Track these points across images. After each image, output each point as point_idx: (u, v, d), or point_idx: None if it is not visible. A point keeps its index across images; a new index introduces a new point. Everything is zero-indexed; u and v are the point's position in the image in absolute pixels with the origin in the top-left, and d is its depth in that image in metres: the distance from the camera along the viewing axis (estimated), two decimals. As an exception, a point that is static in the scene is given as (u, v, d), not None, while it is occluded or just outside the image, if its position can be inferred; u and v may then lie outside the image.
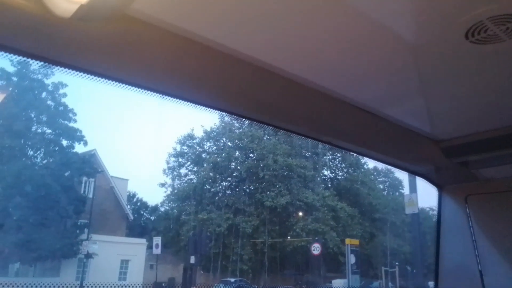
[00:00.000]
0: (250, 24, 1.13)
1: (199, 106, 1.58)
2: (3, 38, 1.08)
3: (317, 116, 1.78)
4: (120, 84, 1.34)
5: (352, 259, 18.95)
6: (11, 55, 1.13)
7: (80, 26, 1.03)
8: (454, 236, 2.54)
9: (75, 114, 22.09)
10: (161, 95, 1.44)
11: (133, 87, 1.37)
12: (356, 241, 20.92)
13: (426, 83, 1.52)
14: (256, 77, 1.40)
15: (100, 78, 1.30)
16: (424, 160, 2.31)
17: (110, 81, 1.32)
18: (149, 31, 1.10)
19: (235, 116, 1.84)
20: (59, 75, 21.24)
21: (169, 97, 1.47)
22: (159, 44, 1.19)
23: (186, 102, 1.53)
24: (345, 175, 32.83)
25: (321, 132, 2.00)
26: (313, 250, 21.21)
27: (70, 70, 1.23)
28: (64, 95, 21.79)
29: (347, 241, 20.47)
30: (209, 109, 1.66)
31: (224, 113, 1.76)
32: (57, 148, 21.48)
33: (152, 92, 1.42)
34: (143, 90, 1.40)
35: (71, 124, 21.87)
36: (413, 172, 2.58)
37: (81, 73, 1.26)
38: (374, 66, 1.38)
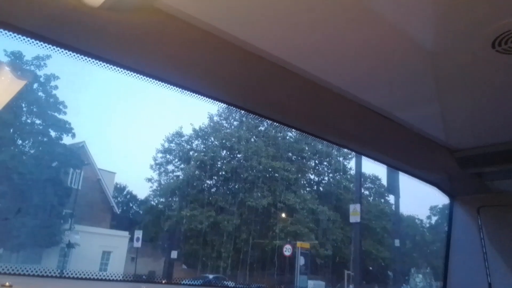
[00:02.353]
0: (272, 22, 1.11)
1: (217, 102, 1.55)
2: (30, 25, 1.06)
3: (334, 118, 1.75)
4: (141, 76, 1.33)
5: (301, 261, 19.67)
6: (38, 42, 1.11)
7: (108, 15, 1.02)
8: (464, 248, 2.47)
9: (65, 106, 22.59)
10: (179, 88, 1.42)
11: (154, 80, 1.36)
12: (306, 244, 21.79)
13: (445, 91, 1.47)
14: (273, 75, 1.37)
15: (122, 69, 1.28)
16: (438, 169, 2.25)
17: (132, 72, 1.30)
18: (175, 24, 1.08)
19: (251, 114, 1.75)
20: (52, 67, 21.74)
21: (187, 91, 1.44)
22: (184, 37, 1.16)
23: (204, 97, 1.50)
24: (331, 180, 33.40)
25: (336, 134, 1.95)
26: (285, 251, 21.89)
27: (93, 60, 1.22)
28: (56, 87, 22.29)
29: (298, 244, 21.29)
30: (227, 105, 1.63)
31: (241, 110, 1.71)
32: (45, 139, 21.92)
33: (171, 86, 1.40)
34: (163, 83, 1.38)
35: (61, 116, 22.34)
36: (425, 181, 2.48)
37: (104, 63, 1.24)
38: (392, 71, 1.35)
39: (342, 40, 1.18)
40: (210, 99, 1.52)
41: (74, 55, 1.18)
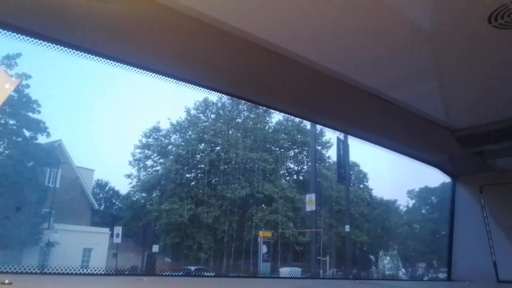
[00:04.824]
0: (264, 7, 1.08)
1: (210, 91, 1.51)
2: (17, 19, 1.01)
3: (334, 103, 1.72)
4: (136, 69, 1.28)
5: (264, 249, 20.28)
6: (27, 37, 1.06)
7: (99, 7, 0.99)
8: (468, 227, 2.48)
9: (39, 105, 22.46)
10: (175, 80, 1.37)
11: (149, 72, 1.31)
12: (268, 234, 22.53)
13: (444, 71, 1.45)
14: (270, 62, 1.34)
15: (116, 63, 1.24)
16: (439, 149, 2.25)
17: (127, 65, 1.26)
18: (169, 14, 1.05)
19: (247, 102, 1.70)
20: (23, 66, 21.54)
21: (183, 83, 1.40)
22: (173, 26, 1.13)
23: (197, 86, 1.44)
24: (309, 169, 33.91)
25: (336, 119, 1.93)
26: (259, 240, 22.44)
27: (85, 53, 1.17)
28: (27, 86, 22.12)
29: (260, 233, 21.89)
30: (220, 94, 1.57)
31: (235, 98, 1.66)
32: (20, 139, 21.81)
33: (163, 76, 1.35)
34: (158, 75, 1.34)
35: (35, 115, 22.22)
36: (427, 162, 2.47)
37: (97, 57, 1.20)
38: (391, 53, 1.32)
39: (339, 24, 1.15)
40: (207, 90, 1.48)
41: (65, 50, 1.13)
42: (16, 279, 1.40)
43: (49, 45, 1.10)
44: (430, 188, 37.48)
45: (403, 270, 29.06)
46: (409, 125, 1.91)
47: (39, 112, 22.29)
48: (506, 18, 1.10)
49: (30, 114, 22.06)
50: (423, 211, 39.61)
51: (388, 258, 28.63)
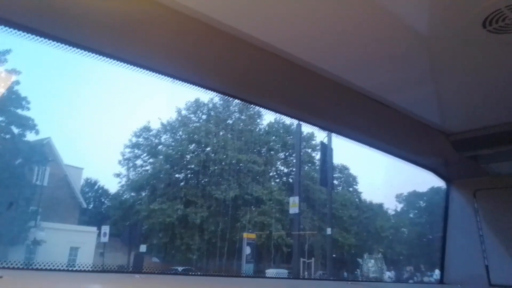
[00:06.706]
0: (258, 5, 1.07)
1: (201, 88, 1.49)
2: (9, 13, 1.02)
3: (327, 105, 1.71)
4: (124, 64, 1.28)
5: (247, 250, 20.37)
6: (18, 31, 1.06)
7: (98, 5, 1.01)
8: (461, 231, 2.48)
9: (28, 102, 22.33)
10: (164, 76, 1.37)
11: (137, 68, 1.31)
12: (252, 235, 22.67)
13: (439, 75, 1.45)
14: (266, 63, 1.33)
15: (107, 59, 1.24)
16: (434, 153, 2.24)
17: (116, 61, 1.26)
18: (158, 10, 1.06)
19: (238, 100, 1.68)
20: (12, 62, 21.39)
21: (172, 79, 1.39)
22: (166, 24, 1.13)
23: (188, 84, 1.44)
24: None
25: (330, 121, 1.93)
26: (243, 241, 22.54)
27: (78, 49, 1.17)
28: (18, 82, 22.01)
29: (244, 235, 22.00)
30: (211, 91, 1.55)
31: (226, 96, 1.63)
32: (8, 136, 21.65)
33: (155, 73, 1.35)
34: (147, 71, 1.34)
35: (24, 112, 22.08)
36: (421, 166, 2.46)
37: (88, 53, 1.19)
38: (386, 55, 1.33)
39: (334, 25, 1.16)
40: (198, 88, 1.47)
41: (61, 46, 1.14)
42: (5, 273, 1.38)
43: (45, 41, 1.11)
44: (425, 192, 37.86)
45: (388, 273, 29.32)
46: (404, 128, 1.92)
47: (28, 109, 22.21)
48: (500, 22, 1.11)
49: (19, 111, 21.94)
50: (412, 215, 40.01)
51: (372, 261, 28.87)
